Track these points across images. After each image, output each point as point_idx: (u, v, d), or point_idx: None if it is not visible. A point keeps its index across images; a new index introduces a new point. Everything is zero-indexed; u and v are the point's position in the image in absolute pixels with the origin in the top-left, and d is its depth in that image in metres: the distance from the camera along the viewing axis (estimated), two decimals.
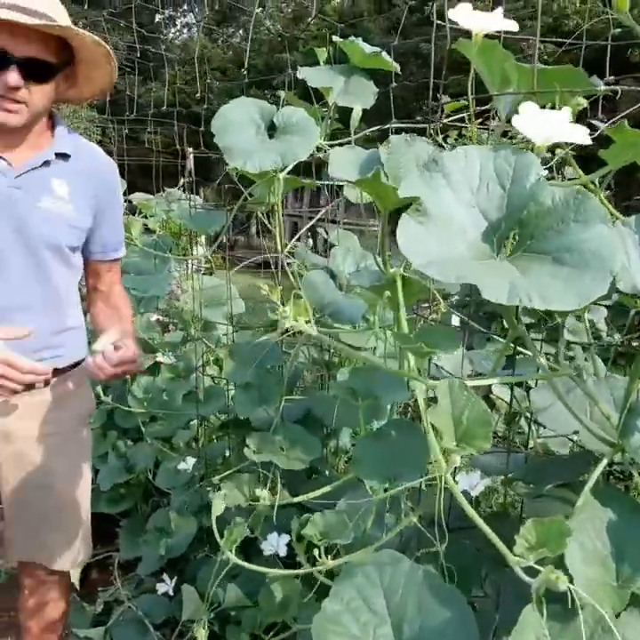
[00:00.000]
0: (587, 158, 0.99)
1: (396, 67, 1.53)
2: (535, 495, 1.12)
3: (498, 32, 0.92)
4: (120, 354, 1.36)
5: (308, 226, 2.03)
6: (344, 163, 0.96)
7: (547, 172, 0.80)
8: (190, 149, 2.85)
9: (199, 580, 1.70)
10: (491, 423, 0.75)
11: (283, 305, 1.21)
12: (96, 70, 1.46)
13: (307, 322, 0.76)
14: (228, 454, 2.02)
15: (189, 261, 2.77)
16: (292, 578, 1.39)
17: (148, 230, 2.76)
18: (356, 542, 1.07)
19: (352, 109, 1.47)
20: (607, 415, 0.91)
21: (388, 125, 1.49)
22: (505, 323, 2.85)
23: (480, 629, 0.75)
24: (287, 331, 0.79)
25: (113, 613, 2.00)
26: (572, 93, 0.81)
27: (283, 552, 1.30)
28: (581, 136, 0.75)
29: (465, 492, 1.06)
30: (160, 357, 2.31)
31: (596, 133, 0.91)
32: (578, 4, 12.09)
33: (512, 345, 1.09)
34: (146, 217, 2.84)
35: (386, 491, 0.93)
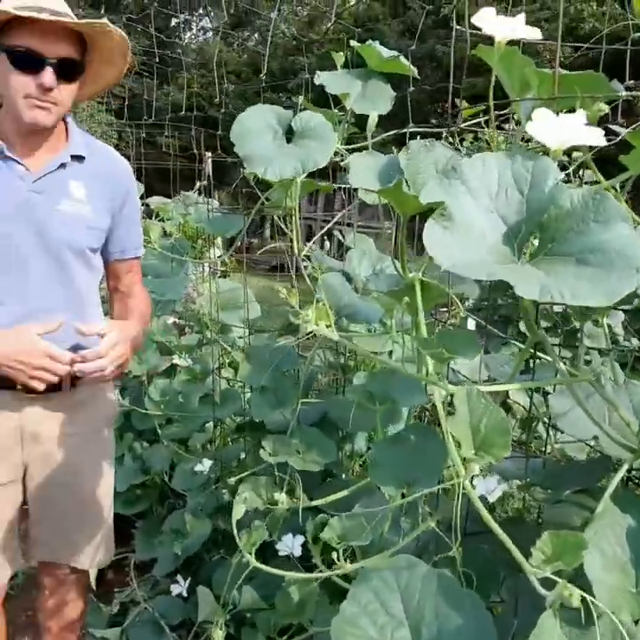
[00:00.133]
0: (604, 160, 0.99)
1: (414, 70, 1.53)
2: (553, 501, 1.11)
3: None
4: (84, 352, 1.38)
5: (325, 229, 2.03)
6: (364, 170, 0.96)
7: (564, 175, 0.80)
8: (209, 154, 2.87)
9: (214, 581, 1.71)
10: (509, 432, 0.75)
11: (300, 308, 1.21)
12: (107, 68, 1.49)
13: (328, 326, 0.77)
14: (243, 456, 2.03)
15: (205, 264, 2.78)
16: (309, 580, 1.40)
17: (165, 234, 2.78)
18: (373, 546, 1.08)
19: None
20: (627, 421, 0.90)
21: (405, 130, 1.50)
22: (521, 327, 2.84)
23: (498, 634, 0.75)
24: (306, 334, 0.79)
25: (129, 614, 2.01)
26: (593, 99, 0.81)
27: (298, 553, 1.31)
28: (596, 138, 0.75)
29: (482, 498, 1.05)
30: (176, 360, 2.33)
31: (617, 139, 0.91)
32: (595, 7, 12.03)
33: (531, 350, 1.09)
34: (163, 220, 2.86)
35: (403, 496, 0.94)
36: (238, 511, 1.03)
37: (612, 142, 0.87)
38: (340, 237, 2.28)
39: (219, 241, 3.20)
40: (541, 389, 1.51)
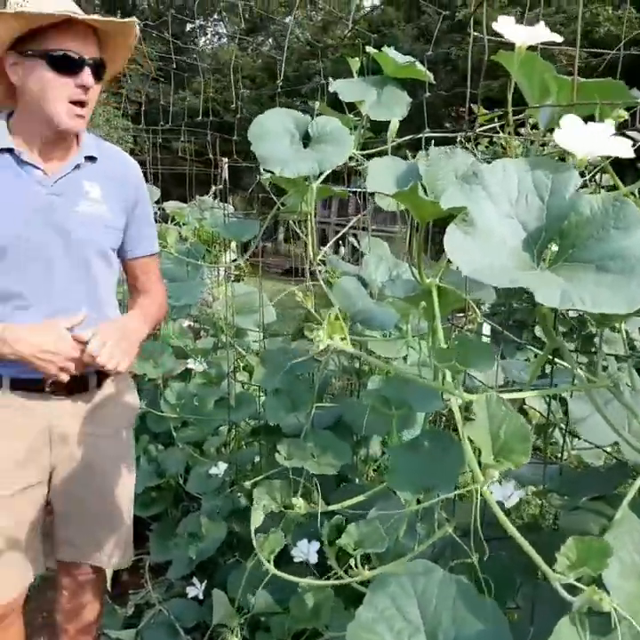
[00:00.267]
0: (620, 164, 0.98)
1: (430, 76, 1.53)
2: (570, 507, 1.11)
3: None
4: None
5: (340, 234, 2.04)
6: (382, 175, 0.97)
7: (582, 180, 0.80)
8: (225, 159, 2.88)
9: (229, 584, 1.71)
10: (529, 438, 0.74)
11: (315, 311, 1.22)
12: (111, 66, 1.52)
13: (342, 339, 0.77)
14: (257, 460, 2.04)
15: (220, 268, 2.80)
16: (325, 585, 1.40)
17: (180, 238, 2.79)
18: (388, 552, 1.08)
19: None
20: None
21: (421, 135, 1.50)
22: (536, 331, 2.83)
23: None
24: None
25: (144, 616, 2.02)
26: (612, 106, 0.81)
27: (314, 559, 1.31)
28: (625, 150, 0.75)
29: (498, 503, 1.05)
30: (191, 364, 2.34)
31: (637, 145, 0.91)
32: (610, 11, 11.97)
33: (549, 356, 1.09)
34: (179, 225, 2.88)
35: (419, 502, 0.93)
36: (257, 518, 1.03)
37: (633, 148, 0.87)
38: (355, 242, 2.28)
39: (233, 245, 3.21)
40: (557, 395, 1.51)
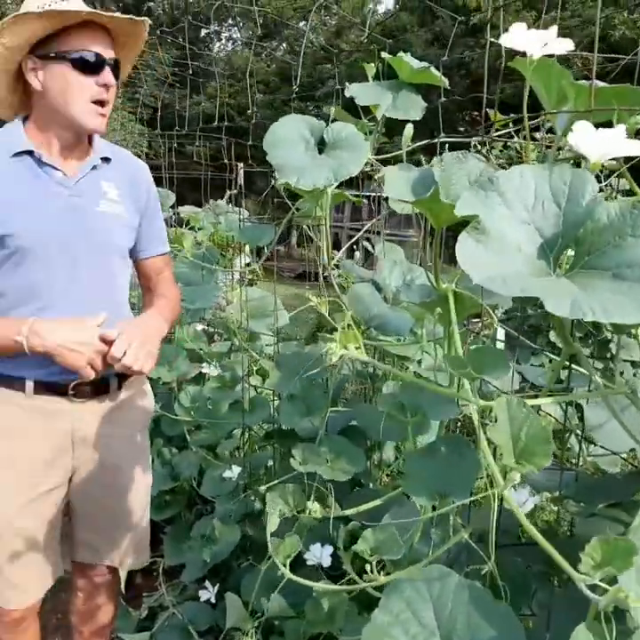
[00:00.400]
0: (637, 170, 0.98)
1: (445, 81, 1.53)
2: (586, 514, 1.10)
3: None
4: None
5: (354, 239, 2.04)
6: (398, 182, 0.97)
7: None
8: (241, 164, 2.90)
9: (243, 588, 1.72)
10: (550, 441, 0.74)
11: (329, 316, 1.22)
12: (123, 67, 1.54)
13: (357, 348, 0.77)
14: (271, 463, 2.04)
15: (235, 272, 2.81)
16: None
17: (195, 242, 2.81)
18: (403, 557, 1.08)
19: (397, 121, 1.48)
20: None
21: (436, 140, 1.50)
22: (551, 336, 2.81)
23: None
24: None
25: (157, 619, 2.03)
26: (630, 112, 0.81)
27: (327, 563, 1.30)
28: (637, 148, 0.75)
29: None
30: (205, 368, 2.35)
31: None
32: (626, 15, 11.90)
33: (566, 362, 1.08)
34: (194, 229, 2.89)
35: (434, 508, 0.93)
36: (273, 522, 1.03)
37: None
38: (369, 247, 2.28)
39: (247, 249, 3.22)
40: (573, 400, 1.50)
